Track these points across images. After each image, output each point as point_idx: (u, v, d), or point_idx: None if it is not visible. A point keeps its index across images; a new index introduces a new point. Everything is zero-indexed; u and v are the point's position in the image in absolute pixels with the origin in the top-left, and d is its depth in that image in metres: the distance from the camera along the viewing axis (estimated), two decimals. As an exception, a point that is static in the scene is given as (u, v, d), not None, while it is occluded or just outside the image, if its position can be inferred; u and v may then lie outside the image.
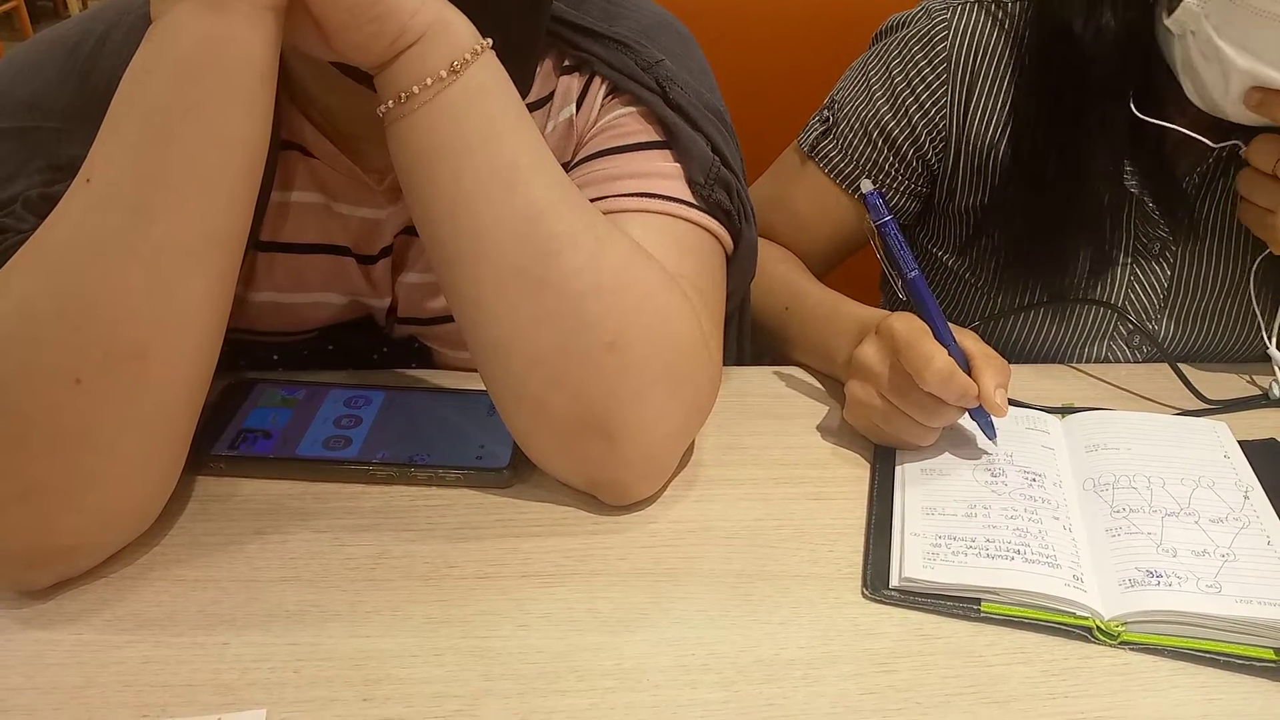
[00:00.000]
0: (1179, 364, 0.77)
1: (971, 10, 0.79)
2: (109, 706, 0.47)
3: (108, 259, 0.49)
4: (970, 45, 0.79)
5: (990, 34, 0.78)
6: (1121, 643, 0.53)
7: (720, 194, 0.65)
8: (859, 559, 0.59)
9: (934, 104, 0.80)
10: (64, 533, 0.52)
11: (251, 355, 0.70)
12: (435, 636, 0.52)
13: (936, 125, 0.81)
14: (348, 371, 0.72)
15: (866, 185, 0.66)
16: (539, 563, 0.57)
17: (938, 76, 0.80)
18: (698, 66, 0.69)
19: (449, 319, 0.70)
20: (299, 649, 0.51)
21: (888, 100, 0.82)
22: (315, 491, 0.61)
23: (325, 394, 0.67)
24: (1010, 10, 0.78)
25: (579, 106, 0.67)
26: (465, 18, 0.53)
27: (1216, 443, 0.67)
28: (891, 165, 0.83)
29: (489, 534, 0.59)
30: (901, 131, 0.82)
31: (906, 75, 0.81)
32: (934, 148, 0.82)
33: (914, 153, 0.82)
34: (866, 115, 0.83)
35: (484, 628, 0.52)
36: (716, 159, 0.65)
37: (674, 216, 0.63)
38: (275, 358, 0.72)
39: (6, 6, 3.72)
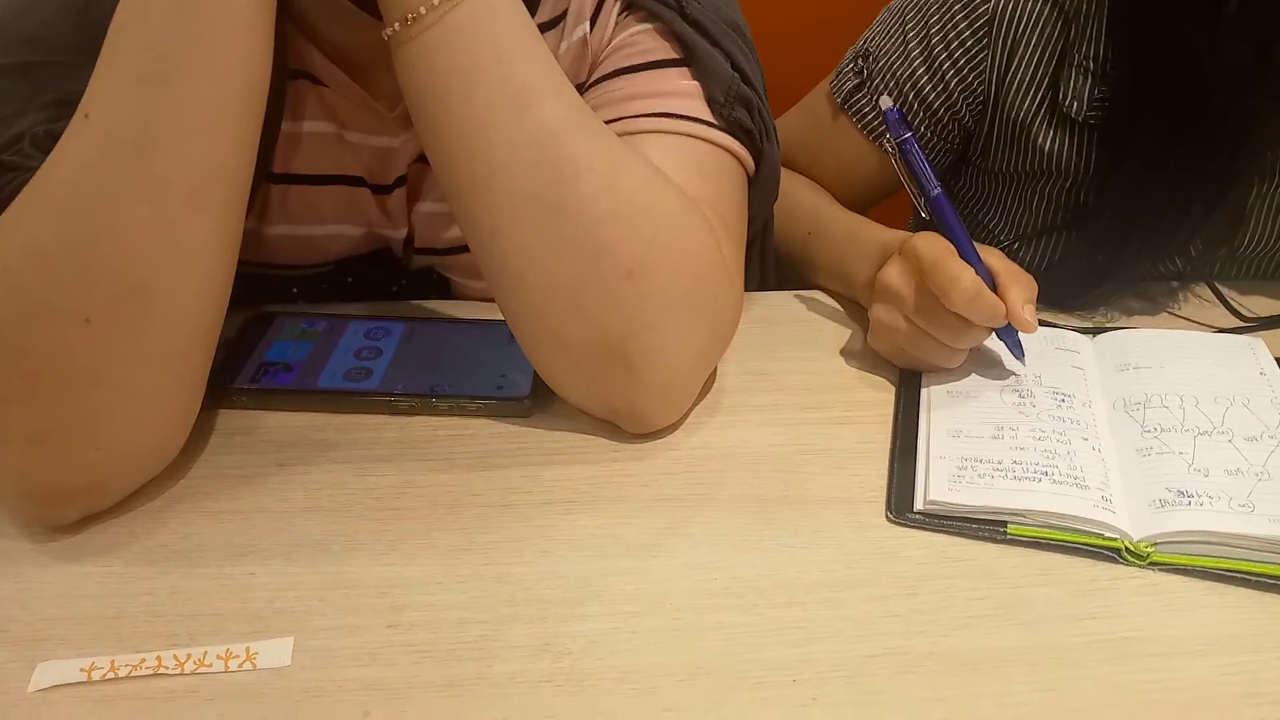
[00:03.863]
0: (1216, 282, 0.75)
1: None
2: (139, 636, 0.48)
3: (111, 196, 0.48)
4: (1016, 9, 0.74)
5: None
6: (1151, 563, 0.53)
7: (741, 112, 0.63)
8: (883, 483, 0.58)
9: (972, 70, 0.76)
10: (85, 470, 0.52)
11: (270, 288, 0.70)
12: (459, 564, 0.52)
13: (974, 91, 0.77)
14: (367, 303, 0.71)
15: (886, 102, 0.64)
16: (561, 490, 0.57)
17: (978, 42, 0.75)
18: (717, -20, 0.67)
19: (466, 248, 0.69)
20: (325, 578, 0.51)
21: (925, 62, 0.78)
22: (337, 423, 0.61)
23: (345, 326, 0.67)
24: None
25: (593, 24, 0.65)
26: None
27: (1253, 360, 0.66)
28: (924, 124, 0.80)
29: (511, 462, 0.59)
30: (937, 95, 0.78)
31: (945, 38, 0.76)
32: (970, 111, 0.78)
33: (949, 114, 0.79)
34: (902, 74, 0.79)
35: (507, 554, 0.53)
36: (736, 76, 0.63)
37: (693, 137, 0.61)
38: (294, 290, 0.72)
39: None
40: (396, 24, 0.51)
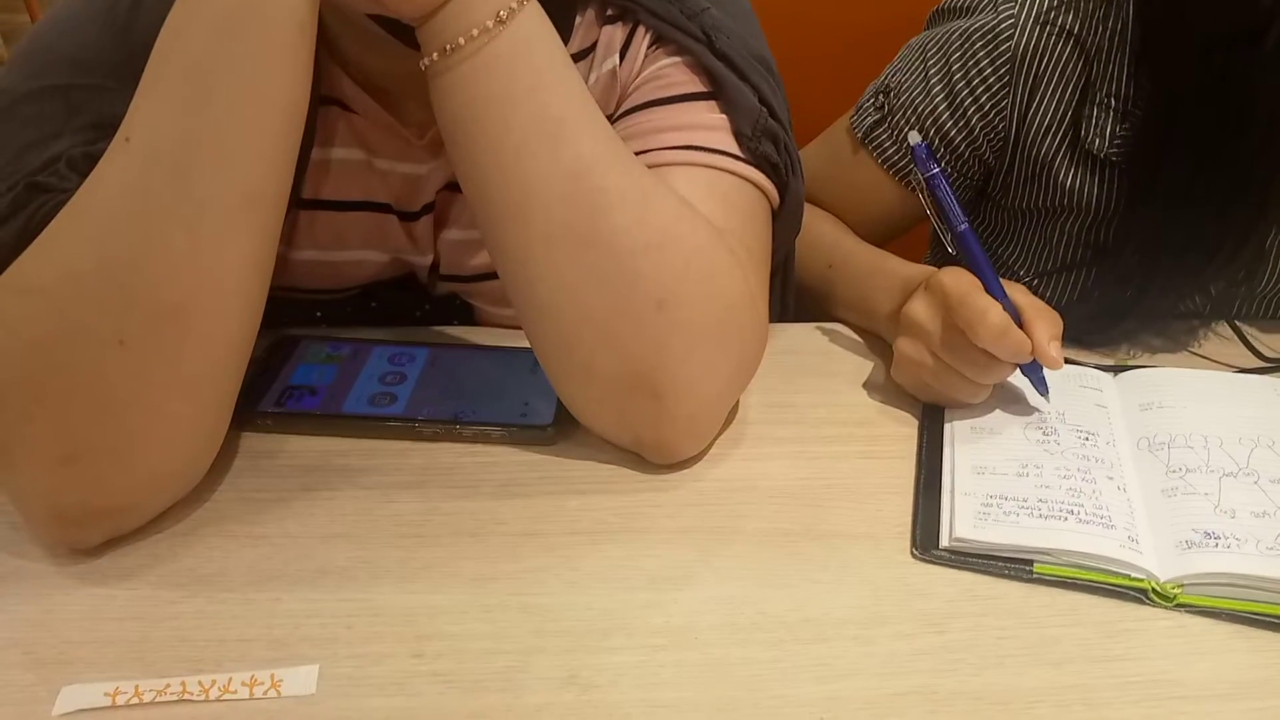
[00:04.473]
0: (1237, 321, 0.75)
1: (1043, 6, 0.74)
2: (165, 660, 0.48)
3: (149, 219, 0.49)
4: (1038, 47, 0.74)
5: (1060, 34, 0.74)
6: (1178, 605, 0.53)
7: (767, 146, 0.63)
8: (908, 519, 0.58)
9: (994, 107, 0.77)
10: (112, 492, 0.52)
11: (295, 312, 0.70)
12: (485, 593, 0.52)
13: (995, 127, 0.78)
14: (391, 328, 0.71)
15: (914, 137, 0.65)
16: (586, 520, 0.57)
17: (1000, 79, 0.76)
18: (743, 13, 0.67)
19: (491, 276, 0.70)
20: (350, 605, 0.51)
21: (946, 97, 0.78)
22: (362, 448, 0.61)
23: (369, 351, 0.67)
24: (1082, 7, 0.73)
25: (622, 57, 0.65)
26: None
27: (1276, 401, 0.66)
28: (946, 160, 0.81)
29: (535, 491, 0.59)
30: (958, 131, 0.79)
31: (967, 74, 0.77)
32: (991, 147, 0.79)
33: (970, 151, 0.80)
34: (923, 109, 0.79)
35: (533, 584, 0.53)
36: (764, 110, 0.63)
37: (720, 170, 0.62)
38: (319, 315, 0.72)
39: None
40: (435, 54, 0.51)
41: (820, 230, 0.82)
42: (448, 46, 0.51)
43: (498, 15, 0.50)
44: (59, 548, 0.53)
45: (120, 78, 0.54)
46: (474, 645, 0.49)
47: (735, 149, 0.62)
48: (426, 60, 0.52)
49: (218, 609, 0.50)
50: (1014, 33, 0.75)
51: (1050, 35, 0.74)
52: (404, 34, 0.53)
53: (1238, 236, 0.72)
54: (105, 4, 0.61)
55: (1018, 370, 0.64)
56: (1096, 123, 0.74)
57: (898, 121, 0.81)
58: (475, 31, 0.50)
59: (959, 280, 0.62)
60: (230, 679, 0.47)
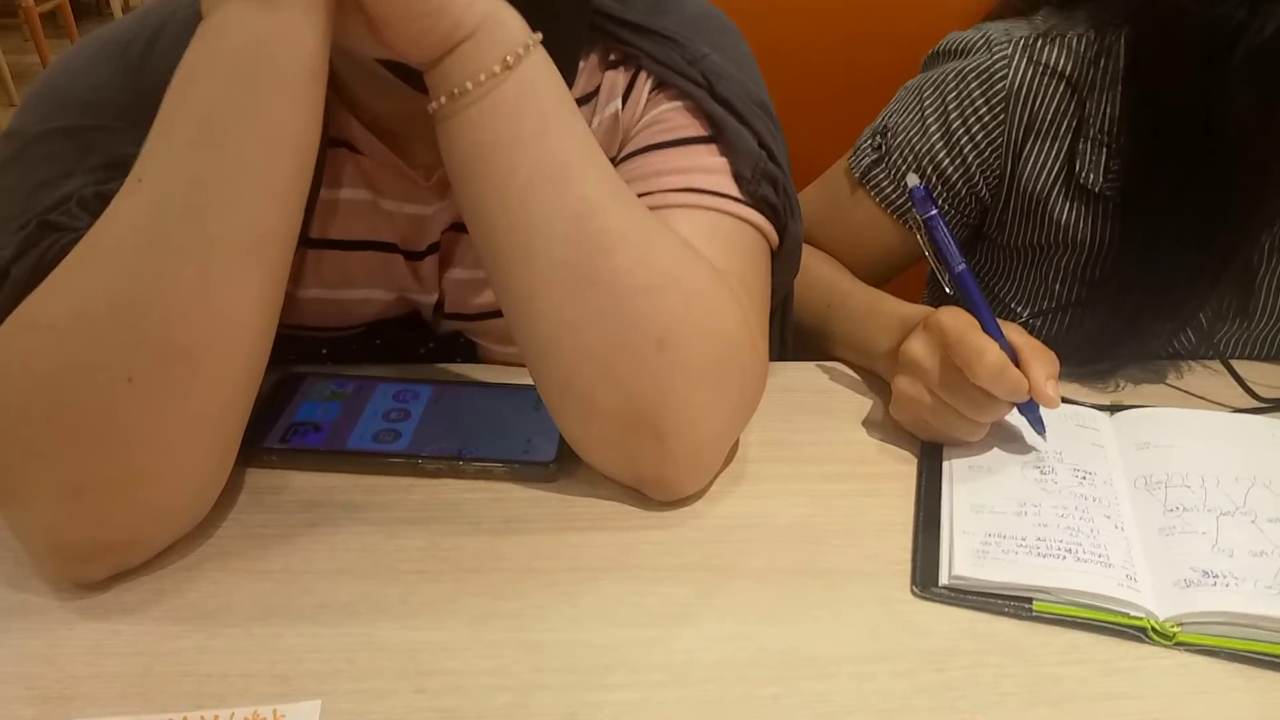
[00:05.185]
0: (1231, 360, 0.76)
1: (1036, 46, 0.76)
2: (167, 695, 0.48)
3: (160, 259, 0.49)
4: (1032, 86, 0.76)
5: (1053, 74, 0.76)
6: (1177, 643, 0.53)
7: (767, 189, 0.64)
8: (907, 556, 0.58)
9: (990, 146, 0.79)
10: (118, 528, 0.52)
11: (300, 349, 0.71)
12: (486, 629, 0.52)
13: (991, 165, 0.79)
14: (395, 365, 0.72)
15: (913, 179, 0.66)
16: (587, 556, 0.57)
17: (995, 118, 0.78)
18: (744, 59, 0.69)
19: (495, 314, 0.71)
20: (352, 640, 0.51)
21: (942, 136, 0.80)
22: (365, 484, 0.61)
23: (374, 388, 0.68)
24: (1075, 47, 0.75)
25: (624, 101, 0.67)
26: (515, 11, 0.53)
27: (1273, 441, 0.66)
28: (943, 199, 0.82)
29: (537, 527, 0.59)
30: (955, 169, 0.80)
31: (963, 113, 0.79)
32: (988, 185, 0.80)
33: (966, 189, 0.81)
34: (920, 148, 0.81)
35: (534, 620, 0.53)
36: (764, 153, 0.64)
37: (721, 212, 0.63)
38: (324, 352, 0.72)
39: (50, 5, 3.77)
40: (443, 98, 0.52)
41: (818, 271, 0.83)
42: (456, 91, 0.52)
43: (505, 61, 0.52)
44: (63, 582, 0.54)
45: (131, 120, 0.56)
46: (476, 681, 0.49)
47: (735, 191, 0.64)
48: (434, 104, 0.53)
49: (221, 644, 0.51)
50: (1008, 72, 0.77)
51: (1043, 75, 0.76)
52: (412, 78, 0.54)
53: (1220, 259, 0.73)
54: (118, 47, 0.62)
55: (1015, 410, 0.64)
56: (1090, 158, 0.76)
57: (895, 161, 0.82)
58: (483, 76, 0.51)
59: (957, 319, 0.62)
60: (233, 714, 0.47)
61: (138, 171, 0.50)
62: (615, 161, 0.66)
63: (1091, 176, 0.75)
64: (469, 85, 0.52)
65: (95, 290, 0.50)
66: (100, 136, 0.60)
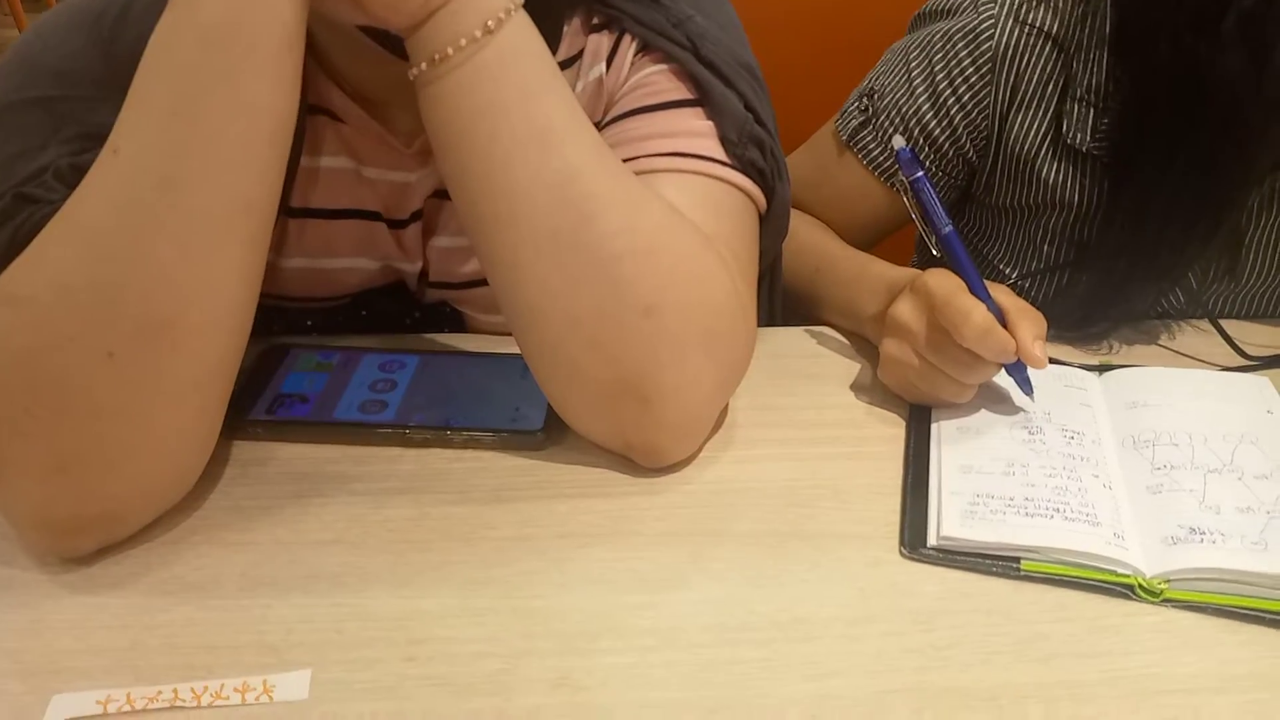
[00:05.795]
0: (1219, 320, 0.76)
1: (1022, 7, 0.75)
2: (156, 668, 0.48)
3: (137, 231, 0.49)
4: (1018, 47, 0.76)
5: (1039, 34, 0.75)
6: (1164, 600, 0.53)
7: (754, 152, 0.64)
8: (896, 518, 0.58)
9: (976, 105, 0.78)
10: (103, 501, 0.52)
11: (286, 321, 0.71)
12: (476, 596, 0.52)
13: (978, 125, 0.79)
14: (381, 336, 0.72)
15: (899, 141, 0.65)
16: (576, 523, 0.57)
17: (981, 78, 0.77)
18: (729, 21, 0.68)
19: (480, 283, 0.70)
20: (341, 610, 0.51)
21: (929, 97, 0.79)
22: (353, 455, 0.61)
23: (360, 358, 0.67)
24: (1061, 7, 0.75)
25: (609, 65, 0.66)
26: None
27: (1260, 399, 0.66)
28: (930, 160, 0.82)
29: (526, 495, 0.59)
30: (942, 130, 0.80)
31: (949, 73, 0.78)
32: (974, 145, 0.80)
33: (954, 150, 0.81)
34: (907, 109, 0.80)
35: (524, 588, 0.53)
36: (750, 116, 0.64)
37: (707, 176, 0.62)
38: (309, 323, 0.72)
39: (26, -25, 3.70)
40: (424, 63, 0.52)
41: (806, 235, 0.83)
42: (436, 56, 0.51)
43: (485, 25, 0.51)
44: (49, 557, 0.53)
45: (106, 89, 0.55)
46: (465, 649, 0.49)
47: (722, 155, 0.63)
48: (415, 70, 0.52)
49: (209, 616, 0.51)
50: (994, 32, 0.76)
51: (1029, 34, 0.75)
52: (392, 44, 0.54)
53: (1211, 219, 0.72)
54: (90, 16, 0.61)
55: (1003, 370, 0.64)
56: (1077, 118, 0.75)
57: (882, 123, 0.82)
58: (463, 41, 0.51)
59: (943, 281, 0.62)
60: (222, 685, 0.47)
61: (113, 142, 0.50)
62: (600, 126, 0.66)
63: (1079, 136, 0.75)
64: (449, 50, 0.51)
65: (73, 264, 0.49)
66: (75, 107, 0.59)
